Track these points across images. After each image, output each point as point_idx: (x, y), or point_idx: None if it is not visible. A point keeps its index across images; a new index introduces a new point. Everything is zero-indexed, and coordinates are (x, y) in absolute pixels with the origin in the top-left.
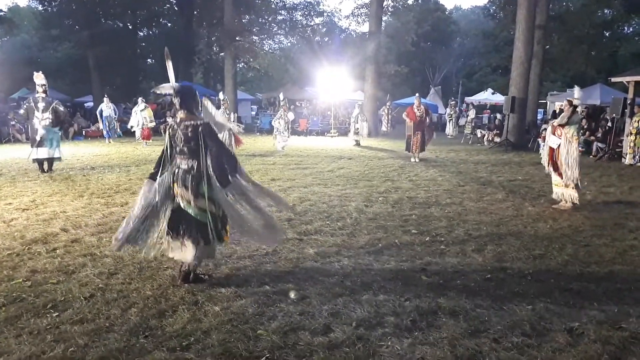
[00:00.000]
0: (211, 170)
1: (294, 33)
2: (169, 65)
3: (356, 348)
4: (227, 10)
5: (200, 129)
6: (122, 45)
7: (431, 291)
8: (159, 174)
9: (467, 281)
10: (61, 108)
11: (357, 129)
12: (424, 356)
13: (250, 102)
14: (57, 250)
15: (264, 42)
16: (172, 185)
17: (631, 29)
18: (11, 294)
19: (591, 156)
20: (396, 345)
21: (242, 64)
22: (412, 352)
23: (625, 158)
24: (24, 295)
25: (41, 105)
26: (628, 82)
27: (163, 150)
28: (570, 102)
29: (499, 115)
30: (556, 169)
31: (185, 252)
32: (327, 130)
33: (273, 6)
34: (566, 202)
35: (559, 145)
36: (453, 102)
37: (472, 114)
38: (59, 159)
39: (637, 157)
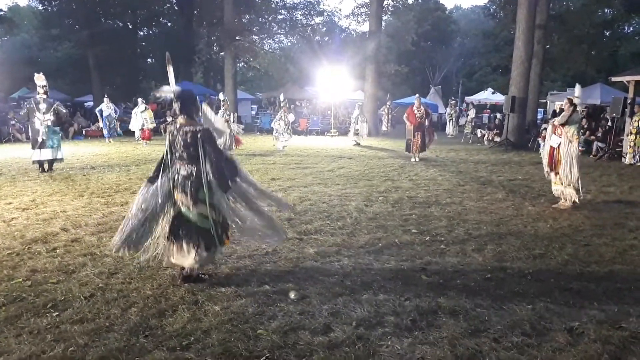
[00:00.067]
0: (211, 175)
1: (294, 32)
2: (170, 70)
3: (356, 348)
4: (227, 10)
5: (199, 135)
6: (122, 44)
7: (431, 291)
8: (158, 178)
9: (467, 281)
10: (62, 109)
11: (357, 130)
12: (424, 356)
13: (250, 101)
14: (57, 250)
15: (264, 41)
16: (172, 190)
17: (631, 29)
18: (11, 293)
19: (591, 156)
20: (396, 344)
21: (242, 63)
22: (412, 351)
23: (625, 157)
24: (24, 294)
25: (42, 106)
26: (628, 81)
27: (163, 154)
28: (570, 101)
29: (499, 115)
30: (554, 168)
31: (185, 257)
32: (327, 130)
33: (273, 6)
34: (565, 200)
35: (560, 144)
36: (453, 101)
37: (472, 113)
38: (61, 160)
39: (637, 156)
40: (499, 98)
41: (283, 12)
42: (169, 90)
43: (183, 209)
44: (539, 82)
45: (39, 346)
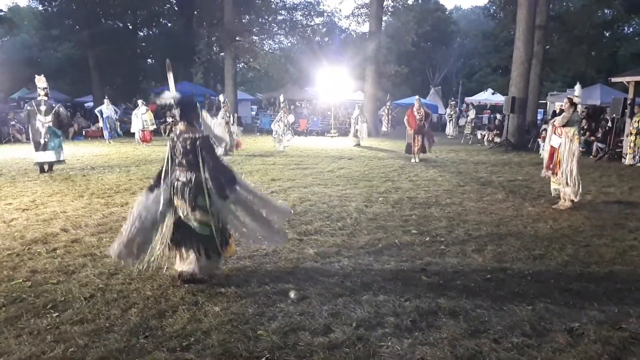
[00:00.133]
0: (210, 183)
1: (294, 33)
2: (170, 76)
3: (356, 348)
4: (227, 10)
5: (198, 142)
6: (122, 45)
7: (431, 291)
8: (158, 186)
9: (467, 281)
10: (63, 111)
11: (357, 130)
12: (424, 356)
13: (250, 102)
14: (57, 251)
15: (264, 42)
16: (172, 197)
17: (631, 29)
18: (11, 294)
19: (591, 156)
20: (396, 345)
21: (242, 64)
22: (412, 352)
23: (625, 158)
24: (24, 295)
25: (43, 108)
26: (628, 82)
27: (163, 162)
28: (570, 101)
29: (499, 116)
30: (554, 168)
31: (186, 264)
32: (327, 131)
33: (273, 6)
34: (564, 200)
35: (560, 144)
36: (453, 102)
37: (472, 114)
38: (62, 161)
39: (637, 157)
40: (499, 99)
41: (283, 12)
42: (169, 96)
43: (183, 216)
44: (539, 83)
45: (39, 347)
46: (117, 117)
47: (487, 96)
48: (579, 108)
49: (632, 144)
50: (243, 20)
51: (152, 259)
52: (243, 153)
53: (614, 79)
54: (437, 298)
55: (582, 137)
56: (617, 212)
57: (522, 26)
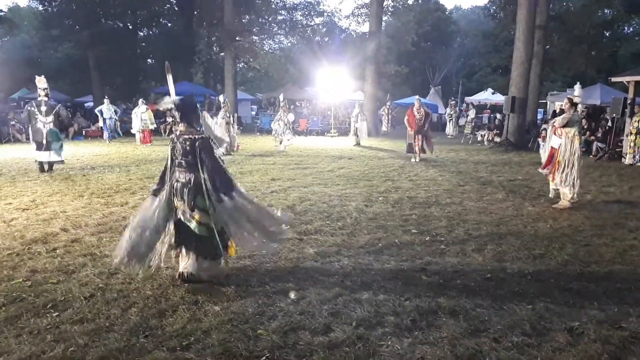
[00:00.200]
0: (209, 184)
1: (294, 33)
2: (169, 78)
3: (356, 348)
4: (227, 10)
5: (197, 143)
6: (122, 45)
7: (431, 291)
8: (162, 190)
9: (467, 281)
10: (64, 112)
11: (357, 129)
12: (424, 356)
13: (250, 102)
14: (57, 250)
15: (264, 42)
16: (172, 198)
17: (631, 29)
18: (11, 293)
19: (591, 156)
20: (396, 344)
21: (242, 64)
22: (412, 351)
23: (625, 158)
24: (24, 295)
25: (44, 108)
26: (628, 82)
27: (165, 165)
28: (571, 101)
29: (499, 115)
30: (552, 169)
31: (186, 264)
32: (327, 130)
33: (273, 6)
34: (563, 199)
35: (560, 145)
36: (453, 102)
37: (472, 113)
38: (62, 161)
39: (637, 156)
40: (498, 98)
41: (283, 12)
42: (169, 101)
43: (182, 217)
44: (539, 83)
45: (39, 346)
46: (117, 118)
47: (487, 96)
48: (579, 108)
49: (632, 144)
50: (243, 20)
51: (155, 262)
52: (243, 153)
53: (614, 79)
54: (437, 297)
55: (582, 137)
56: (617, 212)
57: (522, 26)
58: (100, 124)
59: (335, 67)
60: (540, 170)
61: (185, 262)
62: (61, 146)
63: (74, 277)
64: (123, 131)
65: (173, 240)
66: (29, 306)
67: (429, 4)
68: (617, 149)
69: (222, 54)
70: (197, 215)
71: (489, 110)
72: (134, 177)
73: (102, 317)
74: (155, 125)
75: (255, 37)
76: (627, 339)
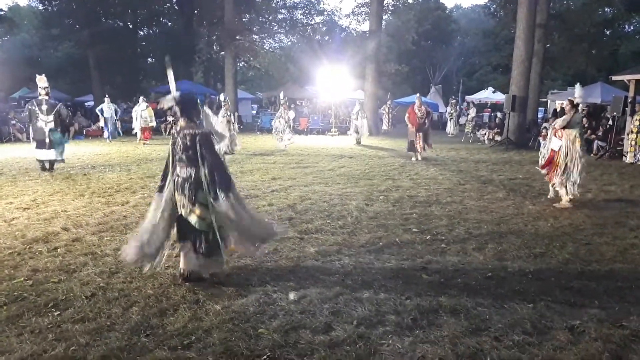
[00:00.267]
0: (208, 179)
1: (295, 32)
2: (170, 74)
3: (357, 346)
4: (227, 9)
5: (197, 138)
6: (122, 44)
7: (432, 290)
8: (166, 185)
9: (468, 279)
10: (64, 110)
11: (357, 126)
12: (425, 354)
13: (251, 101)
14: (58, 249)
15: (265, 41)
16: (173, 193)
17: (632, 28)
18: (12, 293)
19: (592, 155)
20: (397, 343)
21: (243, 63)
22: (413, 350)
23: (626, 156)
24: (25, 294)
25: (45, 107)
26: (629, 80)
27: (166, 161)
28: (571, 102)
29: (499, 114)
30: (551, 170)
31: (186, 260)
32: (328, 129)
33: (273, 5)
34: (562, 198)
35: (560, 147)
36: (454, 100)
37: (472, 112)
38: (62, 160)
39: (638, 155)
40: (499, 97)
41: (283, 11)
42: (170, 97)
43: (183, 212)
44: (540, 81)
45: (40, 345)
46: (117, 118)
47: (487, 95)
48: (580, 108)
49: (632, 142)
50: (243, 19)
51: (163, 260)
52: (243, 152)
53: (614, 77)
54: (437, 296)
55: (584, 136)
56: (618, 211)
57: (523, 25)
58: (101, 123)
59: (336, 66)
60: (538, 167)
61: (185, 259)
62: (63, 148)
63: (75, 276)
64: (123, 130)
65: (176, 236)
66: (30, 305)
67: (429, 2)
68: (617, 148)
69: (223, 53)
70: (197, 210)
71: (489, 109)
72: (135, 176)
73: (103, 316)
74: (155, 123)
75: (255, 36)
76: (628, 338)
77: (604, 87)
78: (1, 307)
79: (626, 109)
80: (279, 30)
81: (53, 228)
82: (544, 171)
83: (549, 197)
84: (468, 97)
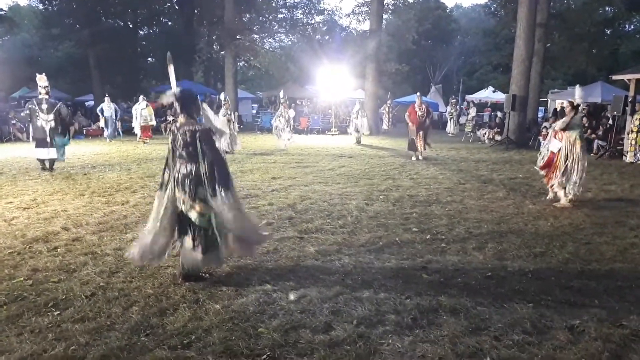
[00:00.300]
0: (208, 174)
1: (295, 31)
2: (171, 70)
3: (357, 346)
4: (227, 9)
5: (197, 134)
6: (122, 44)
7: (432, 289)
8: (167, 181)
9: (468, 279)
10: (64, 109)
11: (357, 125)
12: (425, 354)
13: (251, 100)
14: (58, 249)
15: (265, 40)
16: (173, 189)
17: (632, 27)
18: (12, 292)
19: (592, 154)
20: (397, 343)
21: (243, 62)
22: (413, 349)
23: (626, 156)
24: (25, 293)
25: (45, 106)
26: (629, 79)
27: (166, 158)
28: (572, 104)
29: (499, 114)
30: (549, 172)
31: (185, 256)
32: (328, 129)
33: (274, 4)
34: (560, 199)
35: (560, 149)
36: (454, 100)
37: (472, 112)
38: (62, 159)
39: (638, 155)
40: (499, 96)
41: (283, 11)
42: (170, 93)
43: (183, 208)
44: (540, 81)
45: (40, 345)
46: (117, 118)
47: (487, 94)
48: (580, 109)
49: (633, 142)
50: (243, 19)
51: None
52: (244, 151)
53: (614, 77)
54: (437, 296)
55: (584, 135)
56: (618, 210)
57: (523, 24)
58: (102, 124)
59: (336, 66)
60: (536, 167)
61: (184, 253)
62: (65, 150)
63: (75, 275)
64: (123, 130)
65: (177, 232)
66: (30, 305)
67: (429, 2)
68: (618, 147)
69: (223, 52)
70: (197, 206)
71: (489, 109)
72: (135, 176)
73: (103, 315)
74: (154, 122)
75: (255, 36)
76: (628, 337)
77: (605, 86)
78: (1, 306)
79: (626, 108)
80: (279, 30)
81: (53, 227)
82: (542, 172)
83: (548, 198)
84: (468, 97)
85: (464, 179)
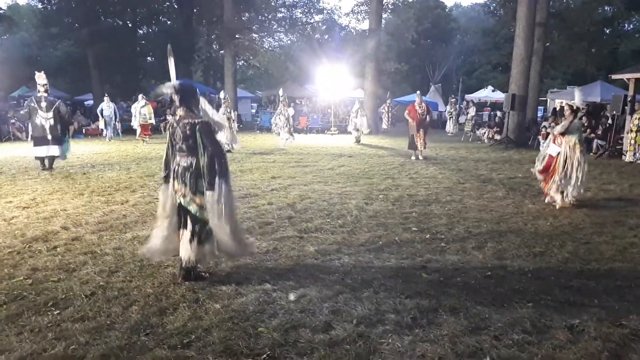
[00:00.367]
0: (208, 167)
1: (294, 31)
2: (171, 62)
3: (357, 345)
4: (226, 8)
5: (197, 127)
6: (121, 43)
7: (432, 289)
8: (170, 174)
9: (468, 279)
10: (64, 107)
11: (356, 124)
12: (425, 353)
13: (250, 99)
14: (58, 249)
15: (264, 39)
16: (173, 182)
17: (631, 26)
18: (12, 292)
19: (591, 153)
20: (397, 342)
21: (242, 61)
22: (413, 349)
23: (625, 155)
24: (24, 293)
25: (44, 104)
26: (628, 79)
27: (166, 152)
28: (571, 107)
29: (499, 113)
30: (547, 175)
31: (183, 248)
32: (327, 128)
33: (273, 4)
34: (564, 198)
35: (559, 154)
36: (453, 99)
37: (472, 111)
38: (63, 157)
39: (637, 154)
40: (499, 96)
41: (283, 10)
42: (170, 85)
43: (183, 201)
44: (539, 80)
45: (40, 344)
46: (117, 119)
47: (487, 93)
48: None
49: (632, 141)
50: (243, 18)
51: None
52: (243, 151)
53: (614, 76)
54: (437, 295)
55: (583, 135)
56: (618, 210)
57: (522, 23)
58: (101, 125)
59: (335, 65)
60: (533, 170)
61: (183, 246)
62: (68, 149)
63: (74, 275)
64: (123, 130)
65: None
66: (30, 304)
67: (428, 1)
68: (617, 147)
69: (222, 51)
70: (198, 199)
71: (489, 108)
72: (134, 175)
73: (103, 315)
74: (153, 121)
75: (255, 35)
76: (628, 337)
77: (604, 85)
78: (1, 306)
79: (625, 107)
80: (279, 29)
81: (52, 227)
82: (540, 177)
83: (546, 201)
84: (467, 96)
85: (463, 179)
